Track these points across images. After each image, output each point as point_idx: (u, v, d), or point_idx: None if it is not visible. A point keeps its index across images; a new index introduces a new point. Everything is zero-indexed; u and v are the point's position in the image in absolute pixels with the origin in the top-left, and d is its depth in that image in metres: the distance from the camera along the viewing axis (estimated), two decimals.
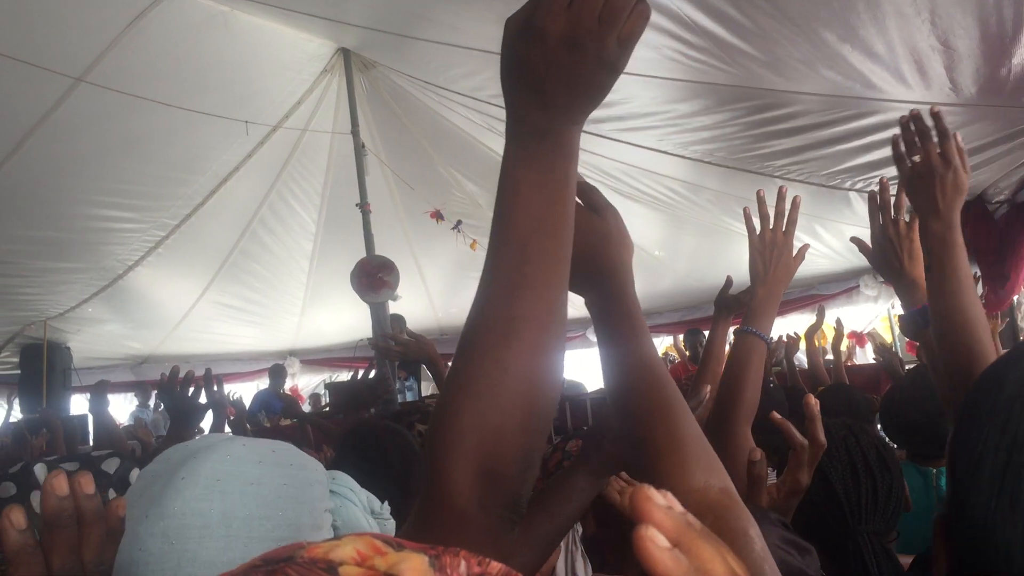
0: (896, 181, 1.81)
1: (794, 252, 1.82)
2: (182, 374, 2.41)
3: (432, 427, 0.81)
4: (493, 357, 0.78)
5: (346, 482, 1.15)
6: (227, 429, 3.76)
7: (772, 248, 1.78)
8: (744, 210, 1.86)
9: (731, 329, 2.22)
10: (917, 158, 1.61)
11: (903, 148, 1.66)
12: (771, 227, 1.80)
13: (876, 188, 5.24)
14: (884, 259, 1.91)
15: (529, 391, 0.78)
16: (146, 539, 0.90)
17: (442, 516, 0.76)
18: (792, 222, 1.81)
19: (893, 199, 1.89)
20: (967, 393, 0.93)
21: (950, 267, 1.53)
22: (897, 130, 1.69)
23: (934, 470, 2.40)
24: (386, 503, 1.24)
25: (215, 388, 2.96)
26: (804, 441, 1.38)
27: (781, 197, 1.79)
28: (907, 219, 1.86)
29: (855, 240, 2.12)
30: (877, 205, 1.91)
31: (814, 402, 1.39)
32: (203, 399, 2.48)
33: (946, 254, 1.54)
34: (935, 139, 1.59)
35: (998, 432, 0.78)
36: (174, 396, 2.39)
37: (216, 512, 0.93)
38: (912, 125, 1.63)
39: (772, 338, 1.80)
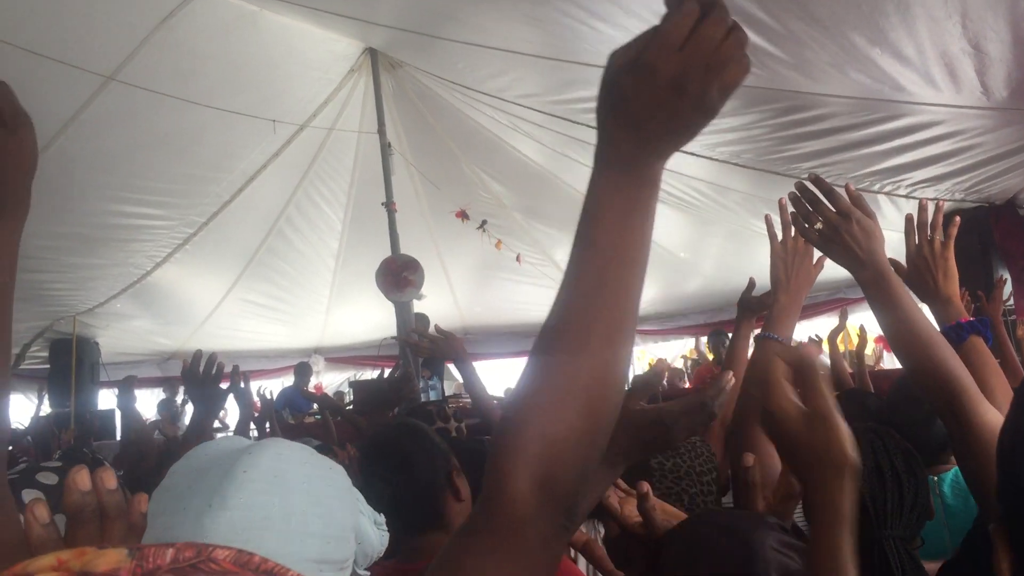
0: (934, 201, 1.87)
1: (814, 260, 1.83)
2: (204, 360, 2.41)
3: (498, 431, 0.84)
4: (564, 373, 0.81)
5: (356, 494, 1.18)
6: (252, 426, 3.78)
7: (793, 255, 1.81)
8: (766, 217, 1.88)
9: (752, 334, 2.23)
10: (819, 225, 1.64)
11: (803, 222, 1.69)
12: (792, 235, 1.81)
13: (900, 190, 5.16)
14: (919, 278, 1.92)
15: (594, 407, 0.82)
16: (210, 530, 0.91)
17: (501, 521, 0.79)
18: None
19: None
20: (1018, 396, 0.93)
21: (892, 303, 1.56)
22: (791, 207, 1.72)
23: (935, 477, 2.38)
24: (382, 515, 1.26)
25: (241, 384, 2.98)
26: None
27: None
28: (942, 239, 1.89)
29: (890, 261, 2.15)
30: (914, 225, 1.93)
31: None
32: (224, 386, 2.48)
33: (886, 293, 1.57)
34: (825, 200, 1.62)
35: None
36: (198, 381, 2.40)
37: (277, 506, 0.95)
38: (801, 198, 1.66)
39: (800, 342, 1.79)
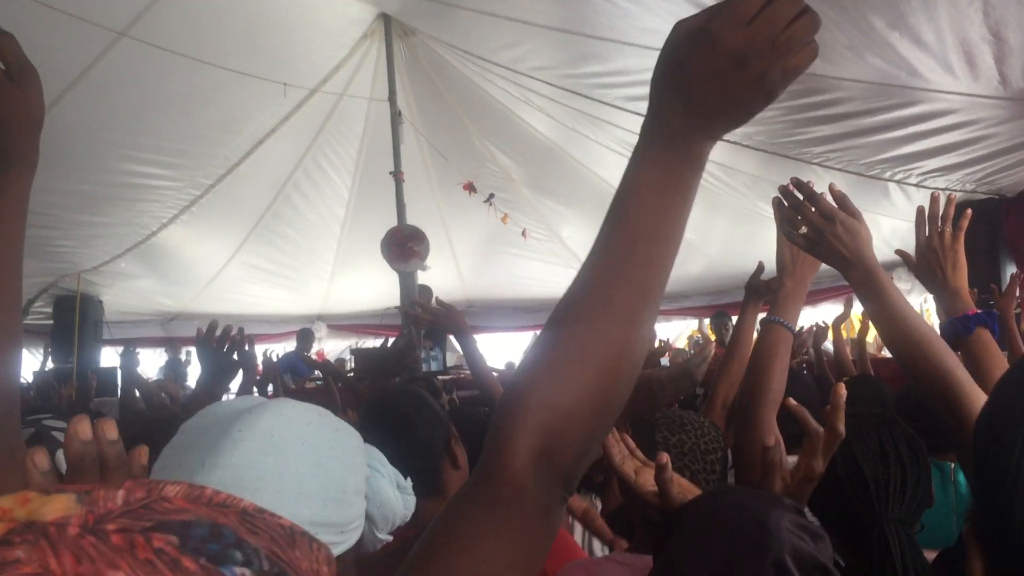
0: (946, 193, 1.92)
1: None
2: (219, 330, 2.42)
3: (505, 397, 0.82)
4: (579, 344, 0.79)
5: (376, 455, 1.18)
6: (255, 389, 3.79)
7: None
8: (774, 201, 1.88)
9: (758, 318, 2.24)
10: (805, 229, 1.65)
11: (788, 226, 1.71)
12: None
13: (911, 178, 5.14)
14: (928, 269, 1.94)
15: (606, 382, 0.79)
16: None
17: (499, 484, 0.78)
18: None
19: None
20: (994, 395, 0.92)
21: (883, 300, 1.56)
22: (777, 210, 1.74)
23: (952, 464, 2.39)
24: (409, 479, 1.26)
25: (246, 347, 2.98)
26: (819, 428, 1.37)
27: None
28: (951, 231, 1.91)
29: (900, 253, 2.18)
30: (925, 217, 1.95)
31: (842, 392, 1.38)
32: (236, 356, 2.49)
33: (876, 291, 1.57)
34: (808, 204, 1.63)
35: None
36: (211, 350, 2.40)
37: (271, 466, 0.95)
38: (786, 203, 1.68)
39: (802, 327, 1.82)
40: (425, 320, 3.18)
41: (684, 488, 1.37)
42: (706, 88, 0.78)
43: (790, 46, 0.76)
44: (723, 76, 0.77)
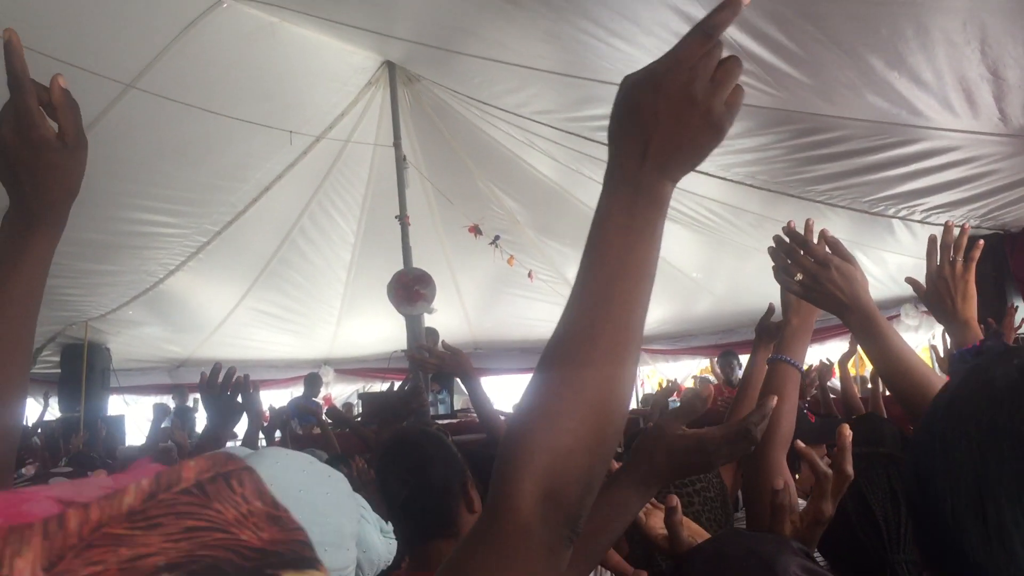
0: (960, 223, 1.94)
1: None
2: (223, 373, 2.42)
3: (504, 442, 0.85)
4: (569, 384, 0.83)
5: (360, 501, 1.18)
6: (261, 436, 3.79)
7: None
8: (775, 237, 1.90)
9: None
10: (800, 276, 1.68)
11: (784, 274, 1.73)
12: None
13: (915, 215, 5.15)
14: (938, 299, 1.94)
15: (600, 419, 0.83)
16: None
17: (505, 529, 0.80)
18: None
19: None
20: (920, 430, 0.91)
21: (882, 342, 1.59)
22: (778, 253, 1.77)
23: None
24: (389, 524, 1.26)
25: (251, 392, 2.98)
26: (828, 471, 1.36)
27: (808, 230, 1.84)
28: (963, 261, 1.91)
29: (910, 280, 2.20)
30: (936, 246, 1.95)
31: (848, 432, 1.37)
32: (239, 399, 2.48)
33: (874, 334, 1.60)
34: (804, 252, 1.66)
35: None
36: (215, 394, 2.40)
37: None
38: (781, 252, 1.71)
39: (810, 365, 1.81)
40: (431, 365, 3.19)
41: (693, 532, 1.36)
42: (661, 130, 0.84)
43: (727, 79, 0.84)
44: (675, 116, 0.83)
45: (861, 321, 1.60)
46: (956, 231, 1.93)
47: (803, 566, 1.07)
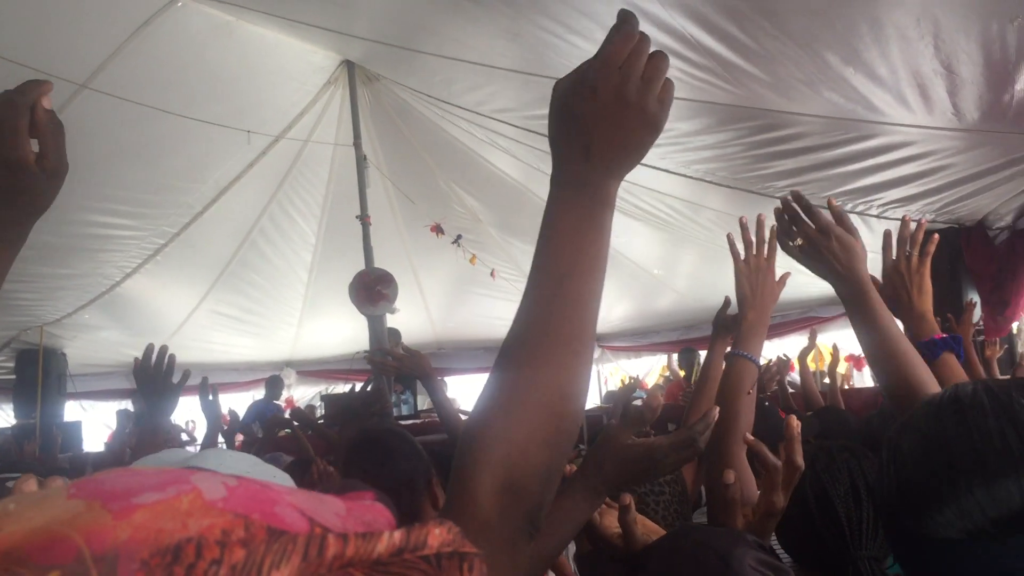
0: (917, 217, 1.98)
1: (777, 277, 1.89)
2: (155, 354, 2.35)
3: (463, 438, 0.87)
4: (525, 378, 0.85)
5: None
6: (220, 438, 3.73)
7: (756, 273, 1.84)
8: (728, 236, 1.94)
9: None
10: (800, 240, 1.70)
11: (785, 238, 1.76)
12: (755, 253, 1.85)
13: (872, 210, 5.21)
14: (894, 293, 1.97)
15: (555, 412, 0.85)
16: None
17: (466, 524, 0.80)
18: (772, 248, 1.87)
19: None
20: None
21: (871, 318, 1.62)
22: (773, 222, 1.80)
23: None
24: None
25: (210, 397, 2.94)
26: (777, 463, 1.36)
27: (760, 225, 1.87)
28: (919, 255, 1.94)
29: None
30: (892, 241, 1.98)
31: (796, 424, 1.37)
32: (176, 380, 2.40)
33: (864, 309, 1.63)
34: (807, 218, 1.68)
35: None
36: (150, 377, 2.33)
37: None
38: (785, 215, 1.73)
39: (769, 360, 1.82)
40: (391, 367, 3.18)
41: (649, 529, 1.36)
42: (600, 132, 0.87)
43: (655, 76, 0.87)
44: (612, 116, 0.86)
45: (853, 292, 1.64)
46: (912, 225, 1.96)
47: (757, 558, 1.07)
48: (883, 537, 1.45)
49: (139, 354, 2.41)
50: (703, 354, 8.53)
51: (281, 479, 1.07)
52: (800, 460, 1.35)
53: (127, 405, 9.54)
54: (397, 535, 0.44)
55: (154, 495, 0.37)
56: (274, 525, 0.39)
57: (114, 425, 8.56)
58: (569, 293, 0.88)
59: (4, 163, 1.08)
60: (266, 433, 4.17)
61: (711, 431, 1.65)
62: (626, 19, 0.87)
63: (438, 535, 0.45)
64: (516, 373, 0.86)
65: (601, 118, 0.86)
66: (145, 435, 2.29)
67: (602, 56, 0.86)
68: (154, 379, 2.34)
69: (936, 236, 1.97)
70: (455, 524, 0.80)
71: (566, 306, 0.87)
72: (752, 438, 1.44)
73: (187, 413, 8.70)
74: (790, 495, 1.37)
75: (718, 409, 1.34)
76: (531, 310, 0.89)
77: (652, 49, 0.88)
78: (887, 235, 1.99)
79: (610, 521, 1.36)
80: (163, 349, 2.37)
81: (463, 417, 3.03)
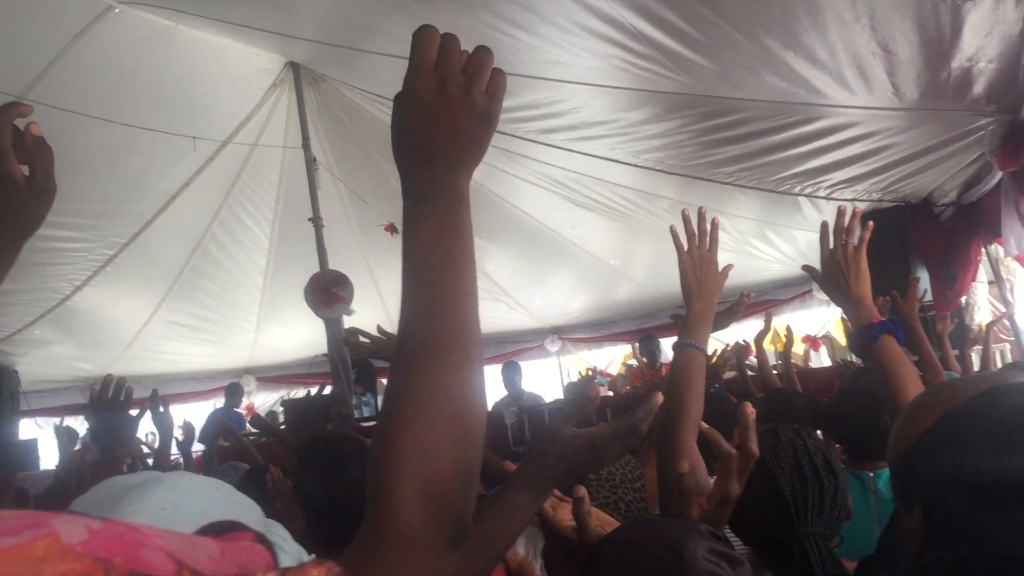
0: (852, 204, 2.08)
1: (720, 267, 1.93)
2: (112, 387, 2.31)
3: (373, 453, 0.85)
4: (420, 382, 0.85)
5: (279, 531, 1.14)
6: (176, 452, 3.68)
7: (700, 264, 1.88)
8: (671, 228, 1.98)
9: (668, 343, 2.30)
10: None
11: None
12: (697, 244, 1.91)
13: (820, 191, 5.28)
14: (832, 280, 2.01)
15: (457, 410, 0.84)
16: None
17: (387, 538, 0.79)
18: (714, 240, 1.93)
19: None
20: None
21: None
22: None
23: (871, 473, 2.42)
24: (313, 556, 1.22)
25: (161, 409, 2.89)
26: (732, 450, 1.36)
27: (701, 217, 1.91)
28: (855, 243, 1.99)
29: (806, 268, 2.29)
30: (829, 231, 2.02)
31: (750, 411, 1.37)
32: (135, 412, 2.38)
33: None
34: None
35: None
36: (106, 409, 2.29)
37: None
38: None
39: (727, 345, 1.84)
40: (366, 348, 3.14)
41: (603, 521, 1.36)
42: (435, 136, 0.89)
43: (479, 68, 0.89)
44: (440, 118, 0.88)
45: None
46: (848, 214, 2.01)
47: (711, 548, 1.07)
48: (829, 514, 1.47)
49: (93, 367, 2.37)
50: (664, 342, 8.59)
51: (241, 507, 1.05)
52: (754, 447, 1.35)
53: (80, 422, 9.40)
54: None
55: (8, 540, 0.35)
56: (138, 569, 0.37)
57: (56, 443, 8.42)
58: (446, 291, 0.88)
59: None
60: (209, 443, 4.12)
61: (662, 421, 1.66)
62: (422, 26, 0.89)
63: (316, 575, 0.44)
64: (411, 380, 0.85)
65: (434, 123, 0.88)
66: (103, 468, 2.24)
67: (413, 63, 0.88)
68: (111, 411, 2.30)
69: (871, 223, 2.03)
70: (375, 540, 0.79)
71: (445, 306, 0.88)
72: (707, 426, 1.45)
73: (146, 427, 8.57)
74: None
75: (660, 395, 1.34)
76: (411, 316, 0.89)
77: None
78: (823, 227, 2.03)
79: (564, 514, 1.35)
80: (120, 381, 2.33)
81: None
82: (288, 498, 2.13)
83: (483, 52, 0.89)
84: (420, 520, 0.78)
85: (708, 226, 1.91)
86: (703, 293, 1.86)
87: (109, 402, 2.30)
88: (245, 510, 1.06)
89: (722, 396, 3.03)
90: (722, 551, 1.09)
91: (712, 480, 1.44)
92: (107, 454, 2.33)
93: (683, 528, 1.14)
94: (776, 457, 1.51)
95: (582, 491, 1.28)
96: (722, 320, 2.19)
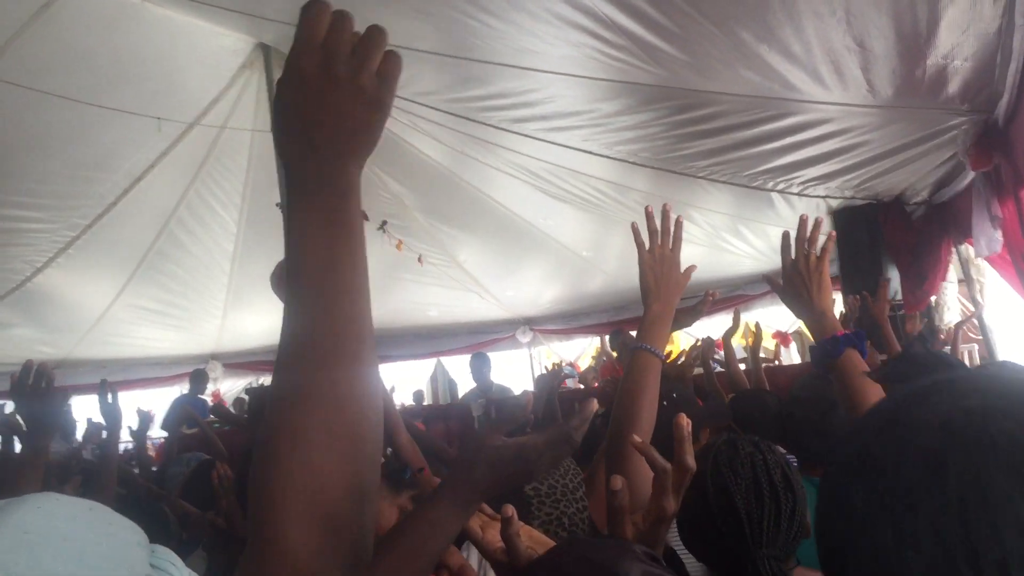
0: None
1: (682, 268, 1.87)
2: (33, 373, 2.20)
3: (254, 470, 0.75)
4: (306, 393, 0.76)
5: (167, 556, 1.03)
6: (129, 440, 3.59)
7: (662, 263, 1.80)
8: (632, 225, 1.90)
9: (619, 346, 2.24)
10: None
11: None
12: (659, 242, 1.81)
13: (793, 188, 5.26)
14: (794, 292, 1.96)
15: (347, 418, 0.76)
16: None
17: (274, 569, 0.70)
18: (677, 239, 1.85)
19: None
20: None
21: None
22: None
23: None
24: None
25: (109, 398, 2.80)
26: (666, 465, 1.28)
27: (665, 215, 1.84)
28: (817, 254, 1.95)
29: (766, 278, 2.26)
30: (791, 241, 1.98)
31: (685, 423, 1.29)
32: (59, 399, 2.27)
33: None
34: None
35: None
36: (27, 396, 2.18)
37: (22, 566, 0.81)
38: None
39: (697, 340, 1.78)
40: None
41: (535, 541, 1.28)
42: (318, 120, 0.81)
43: (369, 48, 0.83)
44: (327, 99, 0.81)
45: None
46: (810, 224, 1.96)
47: (645, 571, 1.01)
48: (786, 535, 1.40)
49: (55, 350, 2.27)
50: (635, 335, 8.55)
51: (121, 529, 0.95)
52: (691, 461, 1.27)
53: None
54: None
55: None
56: None
57: None
58: (334, 288, 0.81)
59: None
60: (172, 431, 4.03)
61: (613, 431, 1.59)
62: (311, 1, 0.83)
63: None
64: (297, 389, 0.77)
65: (318, 105, 0.81)
66: (27, 461, 2.13)
67: (298, 37, 0.82)
68: (32, 399, 2.18)
69: (833, 233, 2.03)
70: (261, 566, 0.71)
71: (335, 304, 0.81)
72: (638, 440, 1.35)
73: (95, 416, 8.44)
74: (689, 493, 1.30)
75: (595, 401, 1.27)
76: (296, 318, 0.81)
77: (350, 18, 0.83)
78: (785, 237, 1.99)
79: (494, 535, 1.27)
80: (42, 366, 2.22)
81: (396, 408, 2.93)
82: (231, 497, 2.05)
83: (376, 32, 0.84)
84: (308, 549, 0.70)
85: (672, 224, 1.84)
86: (662, 294, 1.79)
87: (30, 389, 2.17)
88: (124, 531, 0.95)
89: (689, 399, 2.97)
90: (656, 573, 1.03)
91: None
92: (28, 445, 2.20)
93: (616, 549, 1.07)
94: (733, 472, 1.44)
95: (510, 510, 1.19)
96: (683, 319, 2.12)
